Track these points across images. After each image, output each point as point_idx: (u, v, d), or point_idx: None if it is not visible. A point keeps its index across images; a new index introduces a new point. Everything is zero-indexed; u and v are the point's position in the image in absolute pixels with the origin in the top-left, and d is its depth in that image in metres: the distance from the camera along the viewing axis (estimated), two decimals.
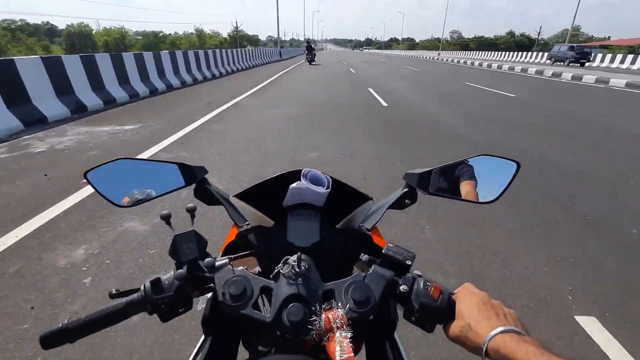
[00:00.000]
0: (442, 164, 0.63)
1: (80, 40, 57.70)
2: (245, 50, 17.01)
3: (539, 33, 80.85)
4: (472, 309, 0.44)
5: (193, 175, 0.64)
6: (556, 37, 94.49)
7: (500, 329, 0.40)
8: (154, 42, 59.95)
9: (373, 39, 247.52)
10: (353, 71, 16.94)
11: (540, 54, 31.55)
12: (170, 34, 72.87)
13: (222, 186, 3.06)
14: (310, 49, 20.70)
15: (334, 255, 0.65)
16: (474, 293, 0.47)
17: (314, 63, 20.54)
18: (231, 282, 0.47)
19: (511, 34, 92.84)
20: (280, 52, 26.49)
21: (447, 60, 34.00)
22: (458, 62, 29.63)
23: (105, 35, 57.81)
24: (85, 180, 0.58)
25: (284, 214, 0.66)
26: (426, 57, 42.13)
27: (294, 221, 0.65)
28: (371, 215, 0.68)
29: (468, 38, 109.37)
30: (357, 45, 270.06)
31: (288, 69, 16.68)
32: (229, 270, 0.50)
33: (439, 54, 47.81)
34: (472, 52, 50.52)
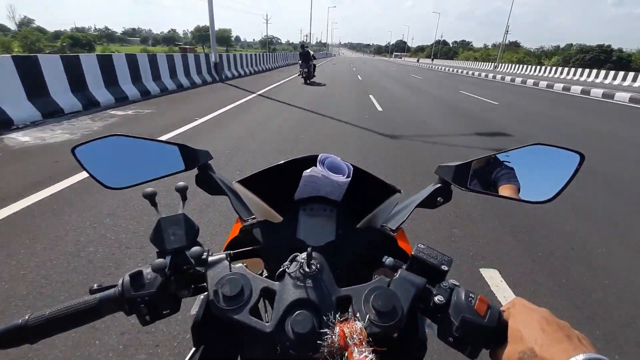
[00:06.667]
0: (483, 156, 0.53)
1: None
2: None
3: None
4: (533, 330, 0.34)
5: (195, 159, 0.58)
6: None
7: (581, 356, 0.29)
8: None
9: (406, 41, 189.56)
10: None
11: None
12: None
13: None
14: (306, 57, 11.74)
15: (351, 258, 0.55)
16: (531, 309, 0.37)
17: (312, 79, 12.42)
18: (226, 281, 0.40)
19: None
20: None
21: None
22: None
23: None
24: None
25: (295, 209, 0.57)
26: None
27: (306, 217, 0.56)
28: (397, 214, 0.59)
29: None
30: (379, 50, 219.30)
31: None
32: (225, 267, 0.43)
33: None
34: None
